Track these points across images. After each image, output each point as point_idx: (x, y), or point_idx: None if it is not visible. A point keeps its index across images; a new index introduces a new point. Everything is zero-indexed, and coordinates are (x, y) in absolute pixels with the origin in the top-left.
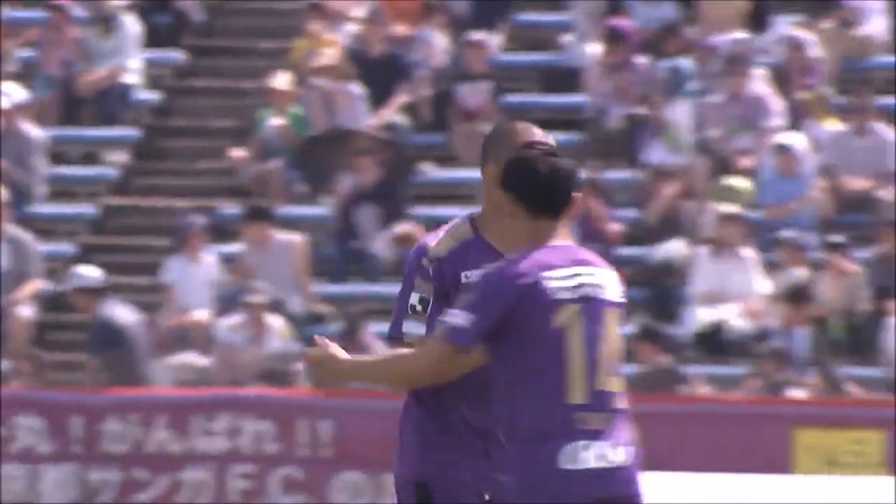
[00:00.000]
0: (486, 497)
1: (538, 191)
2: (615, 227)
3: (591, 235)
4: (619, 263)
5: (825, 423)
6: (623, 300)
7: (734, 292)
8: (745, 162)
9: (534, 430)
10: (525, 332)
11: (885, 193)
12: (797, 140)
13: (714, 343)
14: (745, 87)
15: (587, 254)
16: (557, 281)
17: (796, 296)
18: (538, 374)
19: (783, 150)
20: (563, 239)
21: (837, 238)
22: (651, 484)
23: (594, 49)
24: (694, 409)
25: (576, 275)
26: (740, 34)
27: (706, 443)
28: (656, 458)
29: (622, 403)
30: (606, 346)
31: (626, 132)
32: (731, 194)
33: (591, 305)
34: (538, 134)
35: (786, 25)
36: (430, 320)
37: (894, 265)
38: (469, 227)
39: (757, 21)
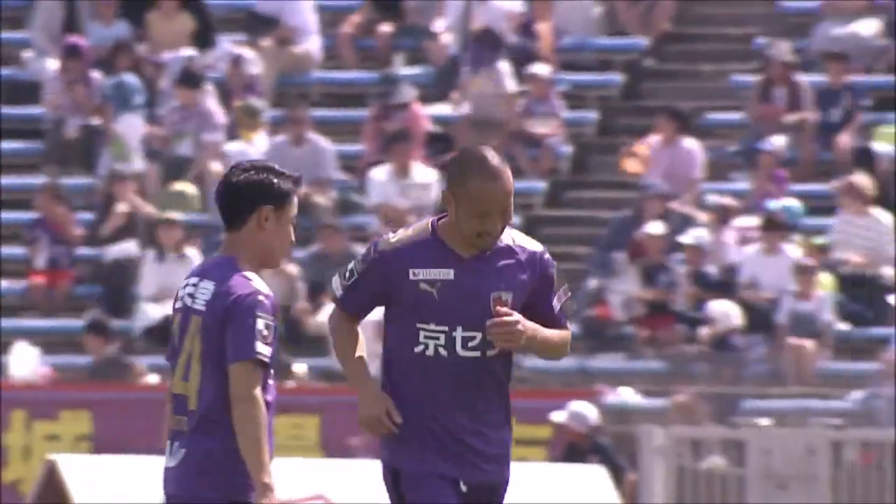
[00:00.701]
0: (463, 487)
1: (218, 205)
2: (76, 230)
3: (56, 238)
4: (77, 263)
5: None
6: (203, 308)
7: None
8: (194, 169)
9: None
10: None
11: (322, 199)
12: (240, 149)
13: (161, 336)
14: (194, 101)
15: (211, 265)
16: (177, 293)
17: None
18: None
19: (226, 157)
20: (237, 250)
21: None
22: (102, 467)
23: (52, 64)
24: (141, 397)
25: (185, 286)
26: (189, 51)
27: (153, 427)
28: (107, 443)
29: (193, 405)
30: (185, 352)
31: (82, 141)
32: (180, 199)
33: (185, 315)
34: (491, 156)
35: (229, 44)
36: (347, 289)
37: (327, 263)
38: (429, 227)
39: (204, 39)
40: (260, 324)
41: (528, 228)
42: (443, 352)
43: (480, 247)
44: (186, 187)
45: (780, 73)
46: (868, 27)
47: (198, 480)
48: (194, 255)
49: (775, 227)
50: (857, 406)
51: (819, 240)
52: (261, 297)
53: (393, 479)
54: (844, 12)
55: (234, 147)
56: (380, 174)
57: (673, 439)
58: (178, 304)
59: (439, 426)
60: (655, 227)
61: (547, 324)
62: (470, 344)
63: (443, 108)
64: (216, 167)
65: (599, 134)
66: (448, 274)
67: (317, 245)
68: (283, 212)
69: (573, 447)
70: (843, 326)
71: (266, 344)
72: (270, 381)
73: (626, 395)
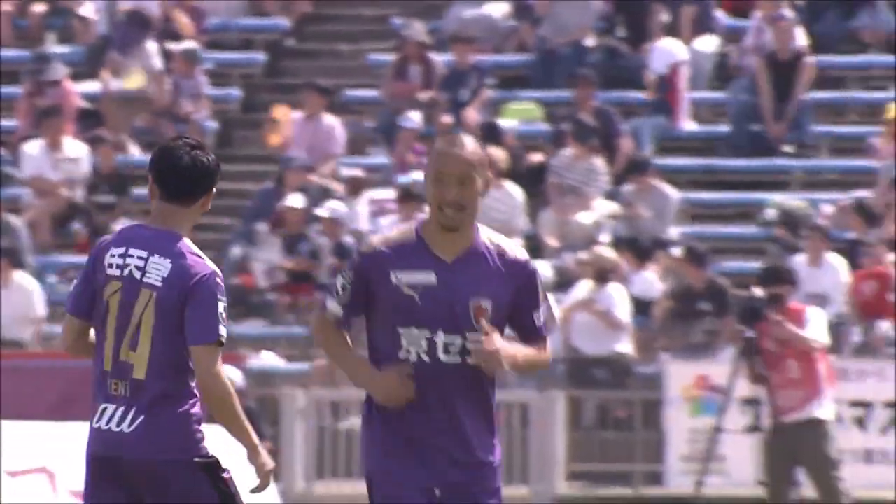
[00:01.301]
0: (437, 492)
1: (175, 178)
2: None
3: None
4: None
5: None
6: (159, 284)
7: None
8: None
9: (94, 388)
10: (95, 301)
11: None
12: None
13: None
14: None
15: (156, 238)
16: (113, 258)
17: None
18: (96, 340)
19: None
20: (179, 224)
21: None
22: None
23: None
24: None
25: (129, 255)
26: None
27: None
28: None
29: (140, 375)
30: (133, 323)
31: None
32: None
33: (130, 285)
34: (464, 141)
35: None
36: (345, 306)
37: None
38: (413, 229)
39: None
40: (220, 306)
41: None
42: (425, 357)
43: (446, 224)
44: None
45: (415, 53)
46: (498, 9)
47: (167, 443)
48: None
49: (411, 199)
50: None
51: None
52: (218, 279)
53: (368, 486)
54: None
55: None
56: (32, 148)
57: (314, 401)
58: (115, 272)
59: (418, 431)
60: (295, 200)
61: (527, 336)
62: (451, 349)
63: (93, 86)
64: None
65: (243, 110)
66: (429, 277)
67: None
68: None
69: None
70: None
71: (225, 325)
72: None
73: (269, 360)
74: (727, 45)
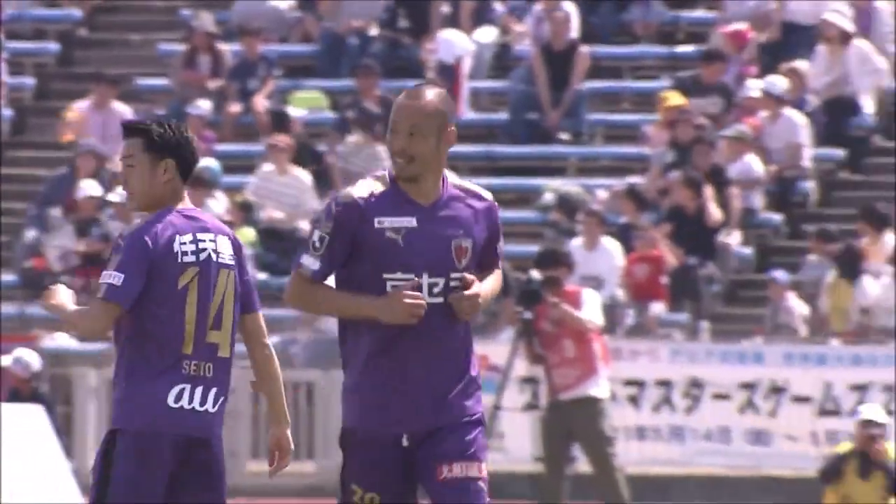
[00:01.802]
0: (405, 441)
1: (195, 161)
2: None
3: None
4: None
5: None
6: (232, 262)
7: None
8: None
9: (154, 372)
10: (156, 288)
11: None
12: None
13: None
14: None
15: (207, 218)
16: (185, 245)
17: None
18: (162, 325)
19: None
20: (186, 202)
21: None
22: None
23: None
24: None
25: (199, 240)
26: None
27: None
28: None
29: (225, 353)
30: (215, 303)
31: None
32: None
33: (208, 267)
34: (422, 94)
35: None
36: (323, 257)
37: None
38: (387, 177)
39: None
40: None
41: None
42: None
43: (398, 174)
44: None
45: (203, 43)
46: (283, 1)
47: (222, 418)
48: None
49: (200, 185)
50: (275, 349)
51: (241, 197)
52: None
53: (341, 441)
54: None
55: None
56: None
57: (106, 380)
58: (190, 259)
59: (395, 377)
60: (91, 188)
61: (487, 265)
62: (435, 290)
63: None
64: None
65: (36, 98)
66: (411, 222)
67: None
68: None
69: (16, 392)
70: (262, 276)
71: None
72: None
73: (62, 341)
74: (505, 35)
